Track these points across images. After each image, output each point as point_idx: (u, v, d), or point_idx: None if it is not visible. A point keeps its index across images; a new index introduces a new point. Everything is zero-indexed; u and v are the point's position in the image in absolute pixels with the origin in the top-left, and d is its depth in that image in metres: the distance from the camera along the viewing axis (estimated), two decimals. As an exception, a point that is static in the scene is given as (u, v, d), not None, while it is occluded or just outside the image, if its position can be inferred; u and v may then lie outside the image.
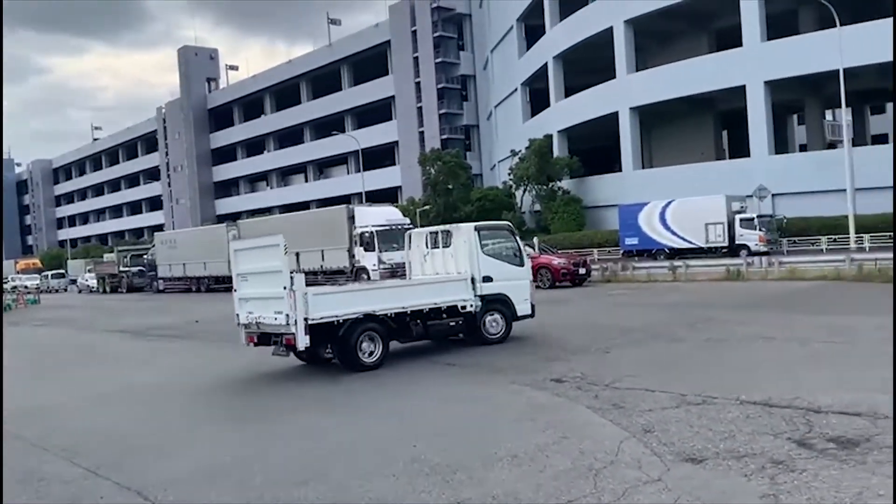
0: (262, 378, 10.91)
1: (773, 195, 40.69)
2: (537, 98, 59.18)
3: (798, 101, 50.51)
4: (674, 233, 38.16)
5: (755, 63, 42.44)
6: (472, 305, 11.82)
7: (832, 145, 54.24)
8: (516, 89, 62.71)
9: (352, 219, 31.37)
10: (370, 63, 78.14)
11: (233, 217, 70.50)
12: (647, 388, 8.06)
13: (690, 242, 37.06)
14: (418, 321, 11.33)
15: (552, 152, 51.72)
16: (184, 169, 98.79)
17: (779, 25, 42.81)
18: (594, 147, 54.96)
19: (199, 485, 5.87)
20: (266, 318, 10.38)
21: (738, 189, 38.89)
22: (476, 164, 71.99)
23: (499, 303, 12.23)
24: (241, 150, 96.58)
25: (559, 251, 29.77)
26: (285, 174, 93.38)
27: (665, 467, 5.35)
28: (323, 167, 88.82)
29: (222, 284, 39.42)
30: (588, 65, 51.25)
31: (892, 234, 34.79)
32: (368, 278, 30.46)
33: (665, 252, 37.54)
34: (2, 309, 18.90)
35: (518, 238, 13.27)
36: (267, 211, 75.89)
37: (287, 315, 9.88)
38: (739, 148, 48.86)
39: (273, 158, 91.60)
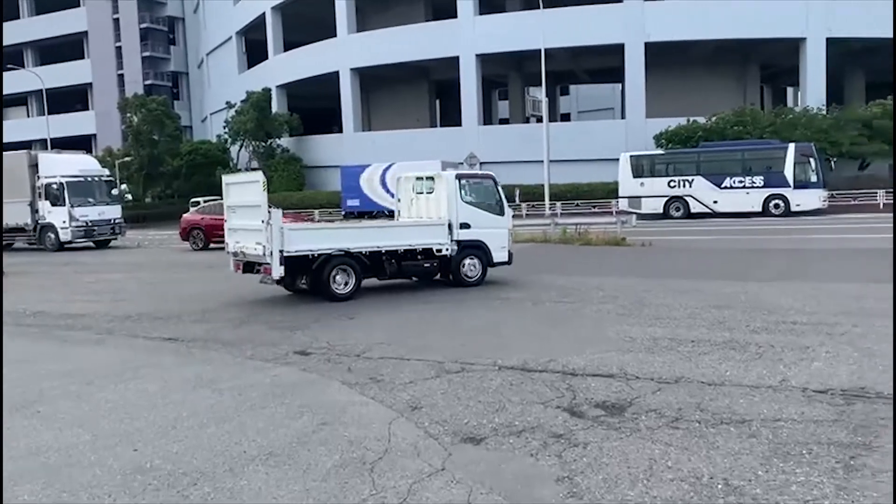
0: None
1: (481, 163, 43.34)
2: (255, 49, 56.23)
3: (503, 76, 54.25)
4: (393, 195, 38.77)
5: (468, 36, 44.48)
6: (447, 249, 12.41)
7: (528, 120, 59.55)
8: (231, 38, 58.92)
9: (35, 167, 26.72)
10: (56, -10, 67.80)
11: None
12: (401, 357, 7.50)
13: (409, 205, 37.98)
14: (392, 260, 12.11)
15: (271, 107, 49.50)
16: None
17: (490, 1, 45.31)
18: (315, 106, 53.80)
19: None
20: (249, 248, 11.28)
21: (451, 156, 40.69)
22: (185, 115, 66.68)
23: (475, 248, 12.78)
24: None
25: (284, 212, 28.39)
26: (-58, 112, 77.80)
27: (446, 452, 4.76)
28: (-6, 107, 75.52)
29: None
30: (310, 20, 49.77)
31: (576, 202, 39.20)
32: (56, 238, 26.34)
33: (385, 214, 38.02)
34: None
35: (501, 188, 13.48)
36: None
37: (264, 246, 10.71)
38: (451, 117, 51.25)
39: (-76, 92, 75.55)
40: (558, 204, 39.19)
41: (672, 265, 15.58)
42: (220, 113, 54.75)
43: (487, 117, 54.81)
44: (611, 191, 37.55)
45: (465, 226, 12.61)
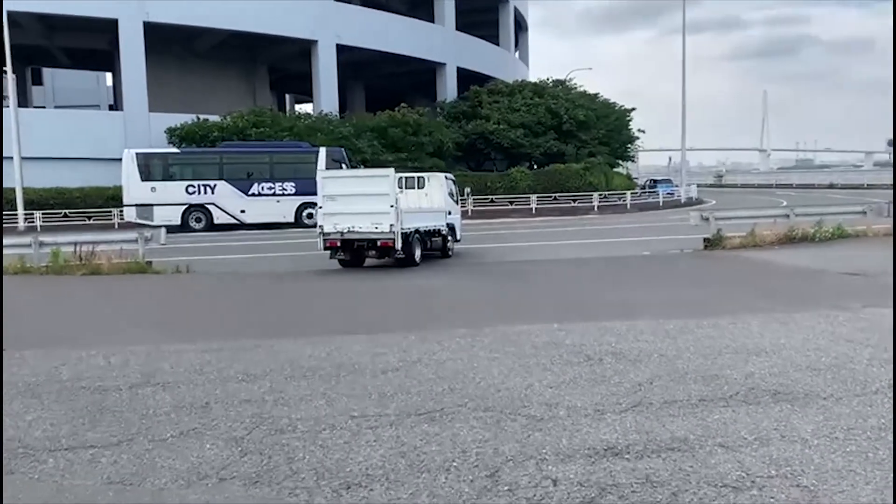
0: None
1: None
2: None
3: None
4: None
5: None
6: (444, 230, 16.17)
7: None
8: None
9: None
10: None
11: None
12: None
13: None
14: (428, 237, 15.56)
15: None
16: None
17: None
18: None
19: None
20: (362, 227, 13.64)
21: None
22: None
23: (451, 229, 16.73)
24: None
25: None
26: None
27: None
28: None
29: None
30: None
31: (64, 211, 30.53)
32: None
33: None
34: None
35: (456, 185, 18.59)
36: None
37: (391, 225, 13.49)
38: None
39: None
40: (38, 214, 30.01)
41: (249, 306, 10.49)
42: None
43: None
44: (111, 197, 30.14)
45: (449, 213, 16.54)
